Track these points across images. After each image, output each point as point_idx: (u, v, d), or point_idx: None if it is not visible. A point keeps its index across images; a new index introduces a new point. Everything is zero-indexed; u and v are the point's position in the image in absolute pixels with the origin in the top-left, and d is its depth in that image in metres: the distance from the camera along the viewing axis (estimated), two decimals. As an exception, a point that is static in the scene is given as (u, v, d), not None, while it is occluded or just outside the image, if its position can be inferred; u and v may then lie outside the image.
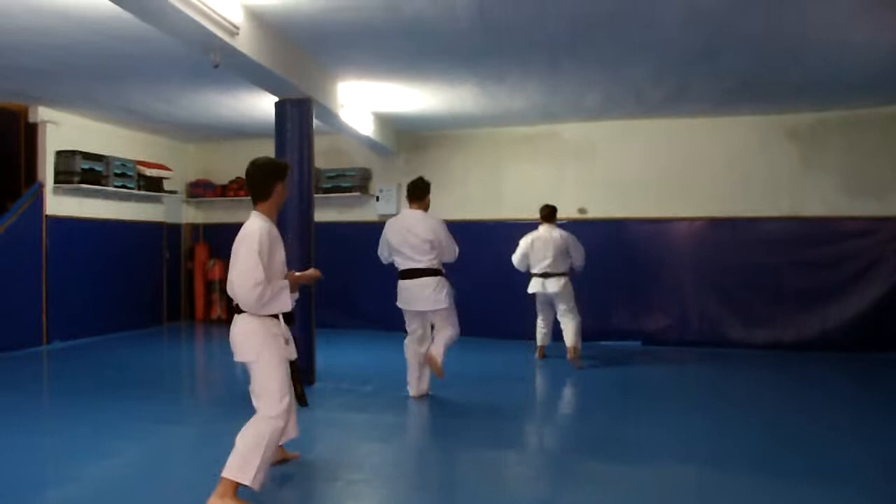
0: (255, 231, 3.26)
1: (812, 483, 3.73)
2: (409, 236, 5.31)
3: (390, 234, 5.41)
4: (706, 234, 8.50)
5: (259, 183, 3.44)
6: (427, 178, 5.24)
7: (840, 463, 4.08)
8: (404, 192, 9.45)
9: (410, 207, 5.50)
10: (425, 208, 5.49)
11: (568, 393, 6.33)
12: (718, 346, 8.30)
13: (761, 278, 8.24)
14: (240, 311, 3.31)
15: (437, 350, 5.35)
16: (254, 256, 3.19)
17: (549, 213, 7.31)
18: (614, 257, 8.54)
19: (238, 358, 3.37)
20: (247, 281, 3.18)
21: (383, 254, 5.56)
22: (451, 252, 5.47)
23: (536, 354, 7.50)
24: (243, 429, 3.28)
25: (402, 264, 5.37)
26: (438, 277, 5.32)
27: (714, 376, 6.91)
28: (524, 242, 7.25)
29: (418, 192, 5.49)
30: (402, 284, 5.38)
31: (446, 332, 5.42)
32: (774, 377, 6.81)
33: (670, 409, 5.47)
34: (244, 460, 3.18)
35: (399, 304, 5.45)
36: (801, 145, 8.22)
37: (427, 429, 4.87)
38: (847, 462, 4.09)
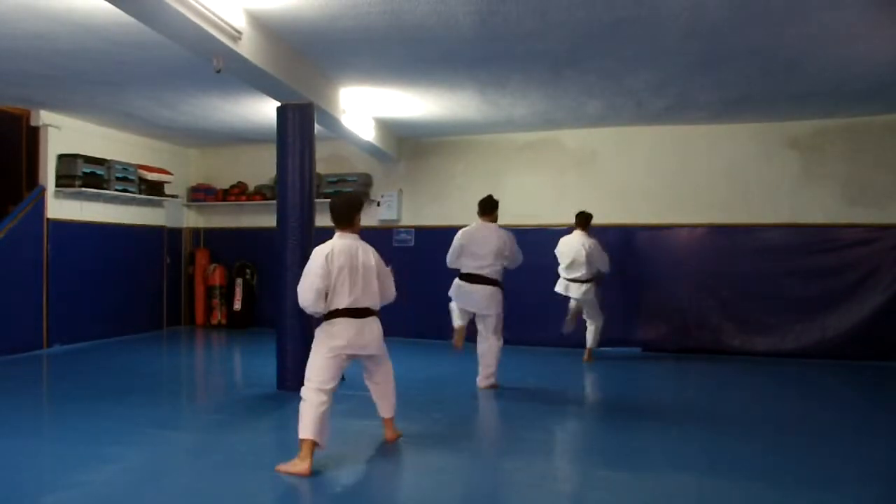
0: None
1: (811, 492, 3.72)
2: (489, 244, 6.03)
3: (469, 241, 6.08)
4: (706, 241, 8.51)
5: (345, 212, 4.21)
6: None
7: (840, 471, 4.07)
8: (405, 198, 9.65)
9: (483, 220, 6.20)
10: (496, 221, 6.23)
11: (566, 399, 6.32)
12: (717, 353, 8.29)
13: (761, 286, 8.24)
14: (372, 314, 4.20)
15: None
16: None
17: (582, 221, 7.79)
18: (615, 264, 8.50)
19: (376, 349, 4.28)
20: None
21: (452, 258, 6.18)
22: (518, 259, 6.22)
23: (566, 326, 7.84)
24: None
25: (472, 268, 6.04)
26: (498, 288, 6.10)
27: (713, 384, 6.91)
28: (559, 246, 7.79)
29: (491, 208, 6.25)
30: (466, 287, 6.07)
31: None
32: (773, 385, 6.80)
33: (669, 416, 5.46)
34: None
35: (458, 301, 6.15)
36: (802, 153, 8.23)
37: (427, 435, 4.86)
38: (847, 470, 4.09)
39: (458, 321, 6.26)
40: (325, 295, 4.02)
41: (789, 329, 8.16)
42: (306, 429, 3.91)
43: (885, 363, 7.72)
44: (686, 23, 4.98)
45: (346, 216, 4.21)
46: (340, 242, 4.12)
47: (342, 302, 4.05)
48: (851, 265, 8.02)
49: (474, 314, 6.18)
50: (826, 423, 5.25)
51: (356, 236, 4.22)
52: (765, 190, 8.31)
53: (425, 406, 5.54)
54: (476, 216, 6.34)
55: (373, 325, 4.21)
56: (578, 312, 7.83)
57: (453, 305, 6.27)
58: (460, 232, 6.22)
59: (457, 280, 6.17)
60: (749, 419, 5.38)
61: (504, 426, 5.10)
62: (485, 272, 6.01)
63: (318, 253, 4.08)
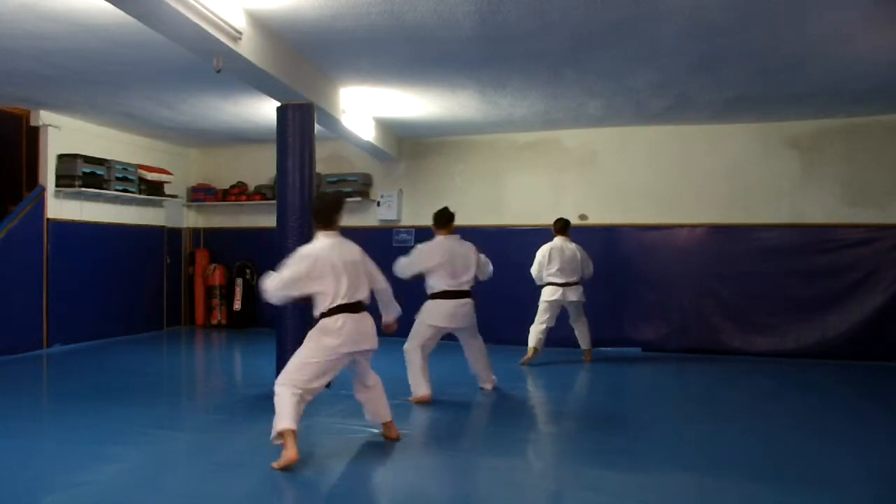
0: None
1: (811, 492, 3.72)
2: (470, 261, 5.82)
3: (449, 260, 5.73)
4: (706, 241, 8.51)
5: (324, 214, 4.27)
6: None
7: (840, 471, 4.08)
8: (405, 198, 9.65)
9: (440, 234, 5.86)
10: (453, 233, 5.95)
11: (566, 399, 6.33)
12: (718, 353, 8.29)
13: (761, 286, 8.24)
14: (364, 308, 4.25)
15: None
16: None
17: (562, 227, 7.73)
18: (615, 264, 8.55)
19: (372, 343, 4.30)
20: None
21: (407, 273, 5.77)
22: (489, 270, 6.02)
23: (527, 356, 7.48)
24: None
25: (447, 286, 5.71)
26: (472, 299, 5.88)
27: (713, 384, 6.91)
28: (541, 254, 7.62)
29: (448, 221, 5.91)
30: (447, 304, 5.72)
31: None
32: (774, 385, 6.80)
33: (669, 416, 5.46)
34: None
35: (438, 322, 5.70)
36: (802, 153, 8.23)
37: (426, 435, 4.87)
38: (847, 471, 4.09)
39: (424, 388, 5.64)
40: (294, 295, 4.14)
41: (789, 329, 8.16)
42: (285, 419, 3.93)
43: (885, 363, 7.72)
44: (686, 23, 4.99)
45: (325, 217, 4.27)
46: (325, 242, 4.20)
47: (337, 300, 4.09)
48: (851, 265, 8.02)
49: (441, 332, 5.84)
50: (826, 423, 5.24)
51: (337, 233, 4.29)
52: (765, 190, 8.32)
53: (423, 406, 5.54)
54: (452, 227, 5.93)
55: (368, 320, 4.26)
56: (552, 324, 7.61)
57: (416, 373, 5.65)
58: (433, 248, 5.76)
59: (438, 301, 5.71)
60: (749, 419, 5.37)
61: (503, 426, 5.09)
62: (465, 287, 5.81)
63: (304, 256, 4.14)
